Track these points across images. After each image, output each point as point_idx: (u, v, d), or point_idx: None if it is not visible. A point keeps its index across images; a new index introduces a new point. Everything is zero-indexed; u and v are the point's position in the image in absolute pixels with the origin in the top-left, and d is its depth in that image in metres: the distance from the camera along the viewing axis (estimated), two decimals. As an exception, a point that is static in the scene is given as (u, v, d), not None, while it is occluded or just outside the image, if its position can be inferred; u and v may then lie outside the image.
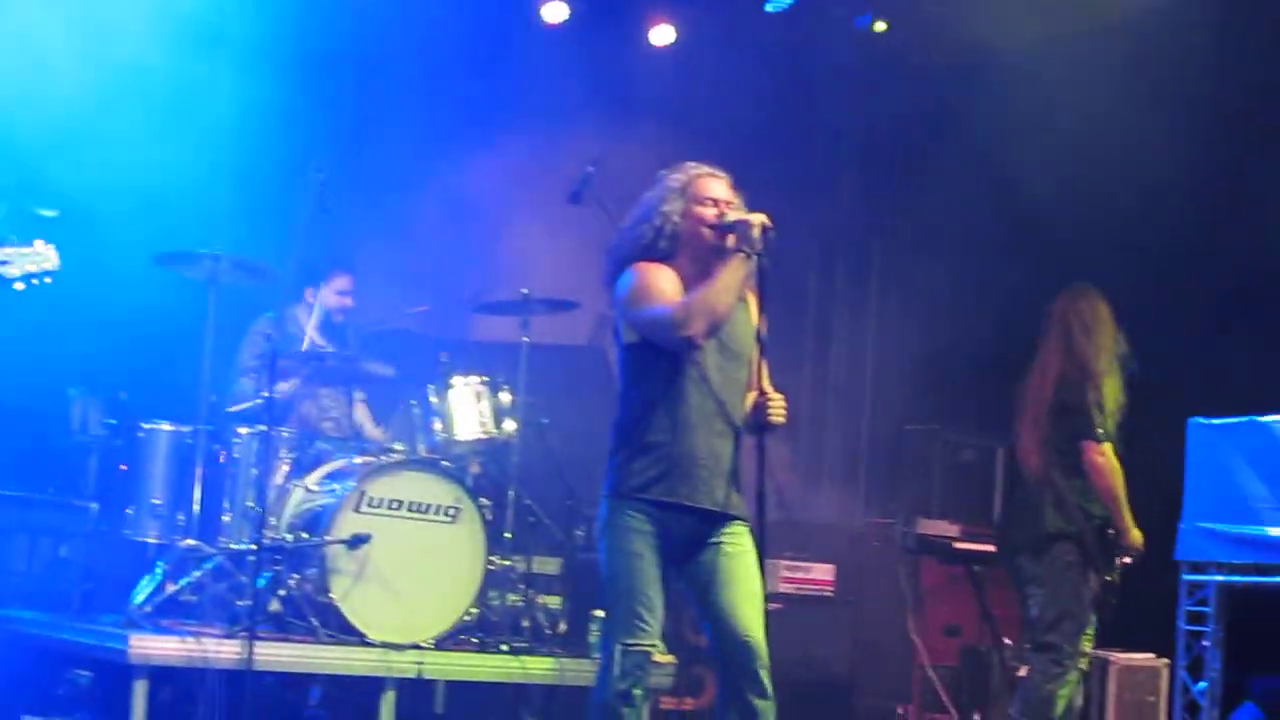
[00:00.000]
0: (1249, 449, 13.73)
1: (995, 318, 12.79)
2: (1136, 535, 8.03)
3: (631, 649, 5.94)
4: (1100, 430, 7.90)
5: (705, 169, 6.25)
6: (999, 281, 12.73)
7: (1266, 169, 12.30)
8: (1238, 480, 13.73)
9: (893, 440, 13.27)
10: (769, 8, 12.77)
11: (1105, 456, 7.91)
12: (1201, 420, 14.10)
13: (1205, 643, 13.94)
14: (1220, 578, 13.99)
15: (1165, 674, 9.99)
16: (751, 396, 6.07)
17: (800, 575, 10.31)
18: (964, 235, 12.92)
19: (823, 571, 10.38)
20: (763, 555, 6.12)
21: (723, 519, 6.07)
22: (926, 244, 13.40)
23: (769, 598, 9.98)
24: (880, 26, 13.62)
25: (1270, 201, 12.26)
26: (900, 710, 10.95)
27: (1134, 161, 12.77)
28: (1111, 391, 8.03)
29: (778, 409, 6.02)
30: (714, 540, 6.05)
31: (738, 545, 6.11)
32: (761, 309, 6.08)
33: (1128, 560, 8.07)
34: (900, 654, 10.89)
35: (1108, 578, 7.95)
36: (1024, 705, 8.01)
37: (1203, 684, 13.97)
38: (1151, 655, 10.05)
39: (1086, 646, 8.02)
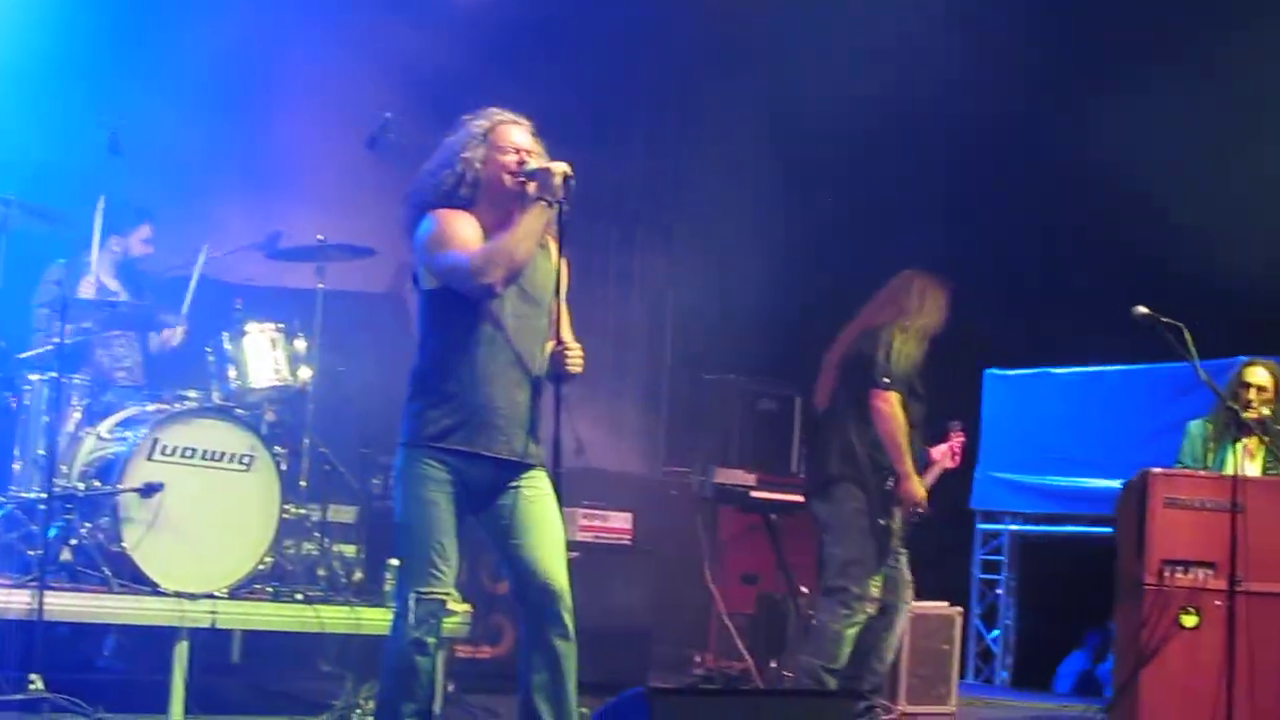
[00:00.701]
0: (1042, 400, 14.11)
1: (793, 268, 12.98)
2: (916, 486, 8.14)
3: (425, 597, 5.92)
4: (886, 379, 8.07)
5: (508, 115, 6.24)
6: (797, 232, 12.90)
7: (1065, 123, 12.60)
8: (1031, 431, 14.12)
9: (692, 390, 13.42)
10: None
11: (889, 404, 8.06)
12: (997, 371, 14.46)
13: (999, 591, 14.36)
14: (1013, 527, 14.41)
15: (959, 622, 10.19)
16: (551, 345, 6.11)
17: (598, 524, 10.33)
18: (761, 186, 13.05)
19: (621, 520, 10.41)
20: (561, 503, 6.16)
21: (521, 467, 6.09)
22: (724, 195, 13.51)
23: (568, 546, 10.15)
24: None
25: (1068, 154, 12.56)
26: (698, 658, 11.04)
27: (933, 112, 13.03)
28: (910, 351, 8.17)
29: (575, 359, 6.03)
30: (513, 485, 6.06)
31: (537, 490, 6.10)
32: (562, 256, 6.12)
33: (916, 510, 8.19)
34: (698, 602, 10.97)
35: (881, 521, 8.07)
36: (814, 648, 8.14)
37: (996, 631, 14.38)
38: (945, 604, 10.24)
39: (875, 591, 8.13)
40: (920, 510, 8.19)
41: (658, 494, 11.67)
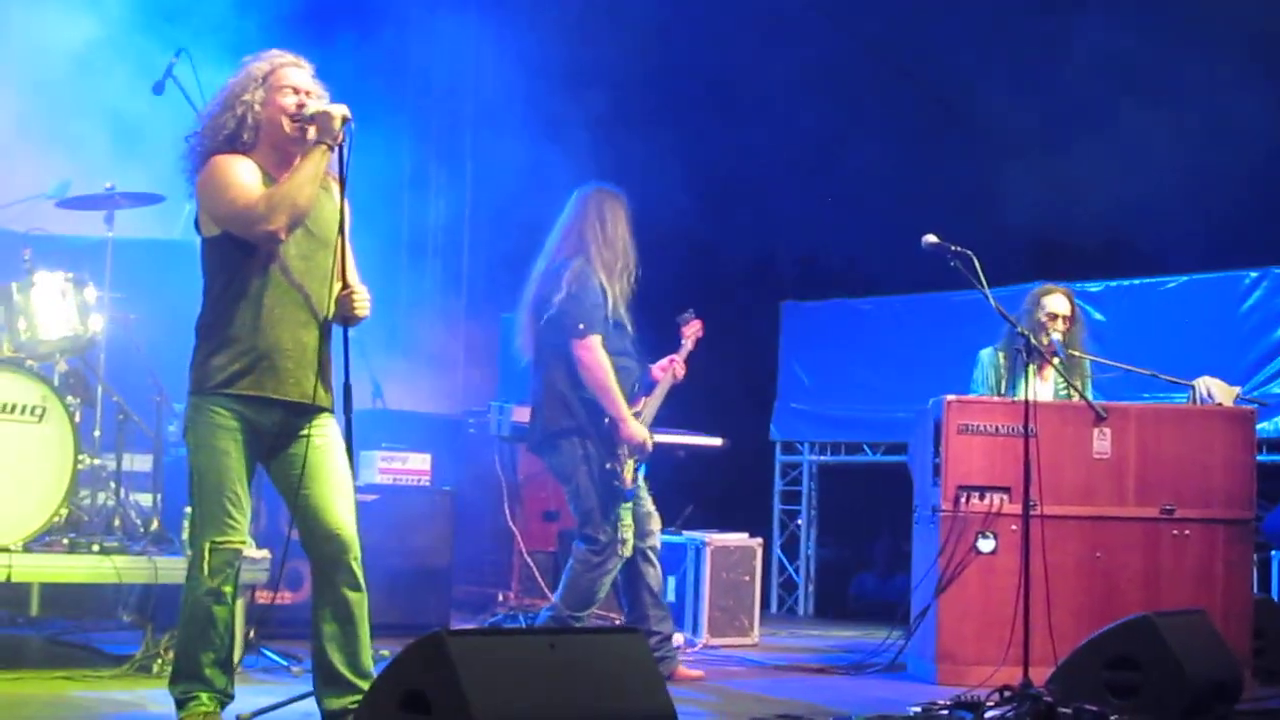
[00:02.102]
0: (839, 330, 14.27)
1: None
2: (634, 428, 7.98)
3: (220, 546, 5.84)
4: (581, 325, 7.88)
5: (288, 57, 6.13)
6: (604, 171, 12.88)
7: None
8: (829, 360, 14.27)
9: (491, 329, 13.38)
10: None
11: (590, 351, 7.88)
12: (794, 302, 14.59)
13: (799, 521, 14.53)
14: (812, 457, 14.57)
15: (760, 553, 10.28)
16: (338, 287, 6.03)
17: (397, 465, 10.26)
18: (559, 125, 13.00)
19: (419, 461, 10.33)
20: (351, 447, 6.10)
21: (311, 411, 5.99)
22: (521, 132, 13.45)
23: (366, 489, 10.09)
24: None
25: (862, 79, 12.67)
26: (500, 596, 11.08)
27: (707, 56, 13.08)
28: (599, 284, 7.97)
29: (362, 302, 5.98)
30: (302, 433, 5.97)
31: (325, 437, 6.04)
32: (344, 197, 6.04)
33: (641, 450, 8.06)
34: (500, 541, 11.01)
35: (609, 465, 7.98)
36: (565, 593, 8.06)
37: (797, 562, 14.54)
38: (745, 535, 10.33)
39: (626, 533, 8.05)
40: (645, 451, 8.09)
41: (457, 434, 11.62)
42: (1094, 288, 12.56)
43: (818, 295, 14.47)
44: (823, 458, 14.25)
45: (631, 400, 8.08)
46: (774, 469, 14.46)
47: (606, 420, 7.96)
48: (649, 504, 8.32)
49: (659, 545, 8.40)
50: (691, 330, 8.65)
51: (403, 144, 14.11)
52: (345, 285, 6.00)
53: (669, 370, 8.49)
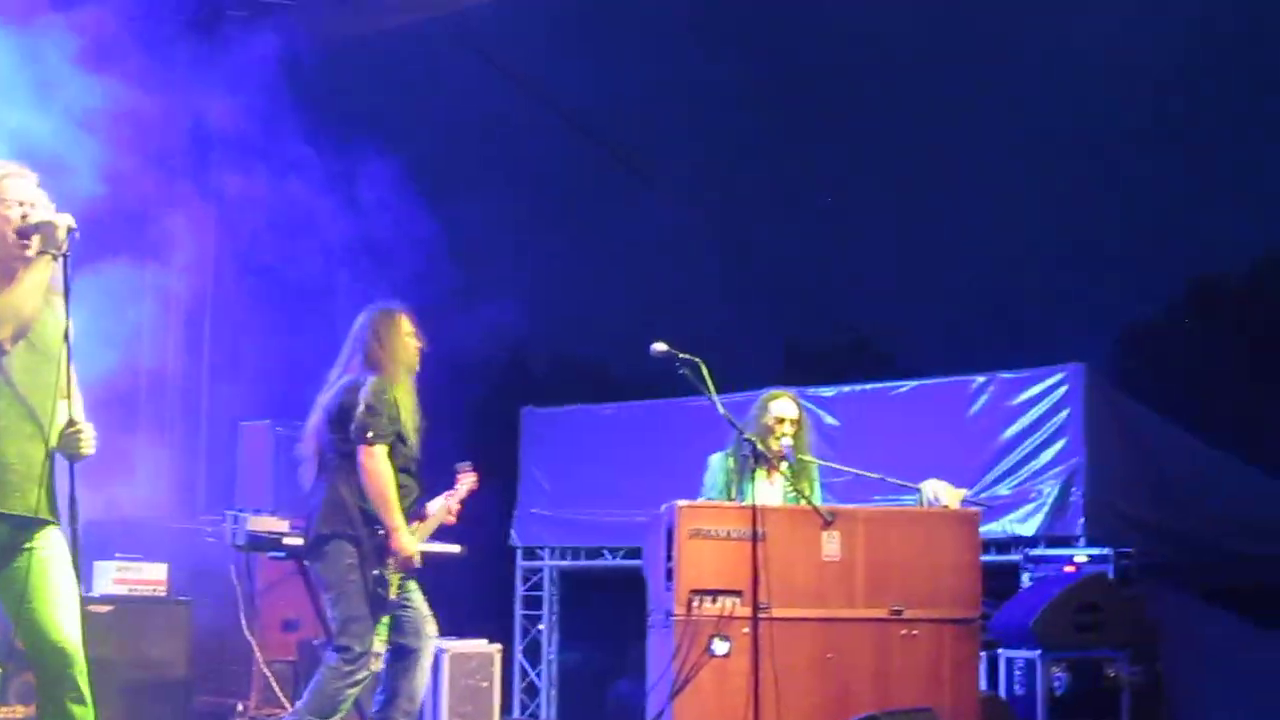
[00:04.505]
0: (578, 436, 14.33)
1: (324, 314, 12.86)
2: (405, 542, 8.00)
3: (-53, 662, 5.77)
4: (371, 432, 7.90)
5: (12, 168, 6.06)
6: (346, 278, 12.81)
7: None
8: (568, 466, 14.32)
9: (230, 436, 13.21)
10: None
11: (373, 459, 7.89)
12: (533, 408, 14.63)
13: (540, 626, 14.51)
14: (553, 562, 14.58)
15: (498, 659, 10.24)
16: (63, 405, 5.95)
17: (132, 575, 10.10)
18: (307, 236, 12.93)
19: (154, 571, 10.18)
20: (77, 560, 6.00)
21: (35, 524, 5.90)
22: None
23: (100, 599, 9.88)
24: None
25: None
26: (239, 706, 10.88)
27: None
28: (392, 397, 8.02)
29: (87, 441, 5.93)
30: (26, 546, 5.88)
31: (49, 550, 5.93)
32: (68, 310, 5.96)
33: (409, 565, 8.05)
34: (239, 651, 10.82)
35: (376, 573, 7.94)
36: (311, 701, 7.94)
37: (539, 667, 14.51)
38: (485, 641, 10.29)
39: (379, 646, 8.00)
40: (413, 566, 8.08)
41: (195, 543, 11.43)
42: (827, 392, 12.79)
43: (567, 399, 14.54)
44: (563, 562, 14.26)
45: (406, 519, 8.07)
46: (515, 574, 14.44)
47: (380, 532, 7.93)
48: (423, 607, 8.29)
49: (433, 650, 8.41)
50: (466, 480, 8.81)
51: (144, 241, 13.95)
52: (71, 422, 5.92)
53: (441, 507, 8.66)
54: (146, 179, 13.19)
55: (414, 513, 8.28)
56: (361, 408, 7.91)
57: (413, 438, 8.13)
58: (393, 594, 7.96)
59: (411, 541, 7.99)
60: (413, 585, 8.17)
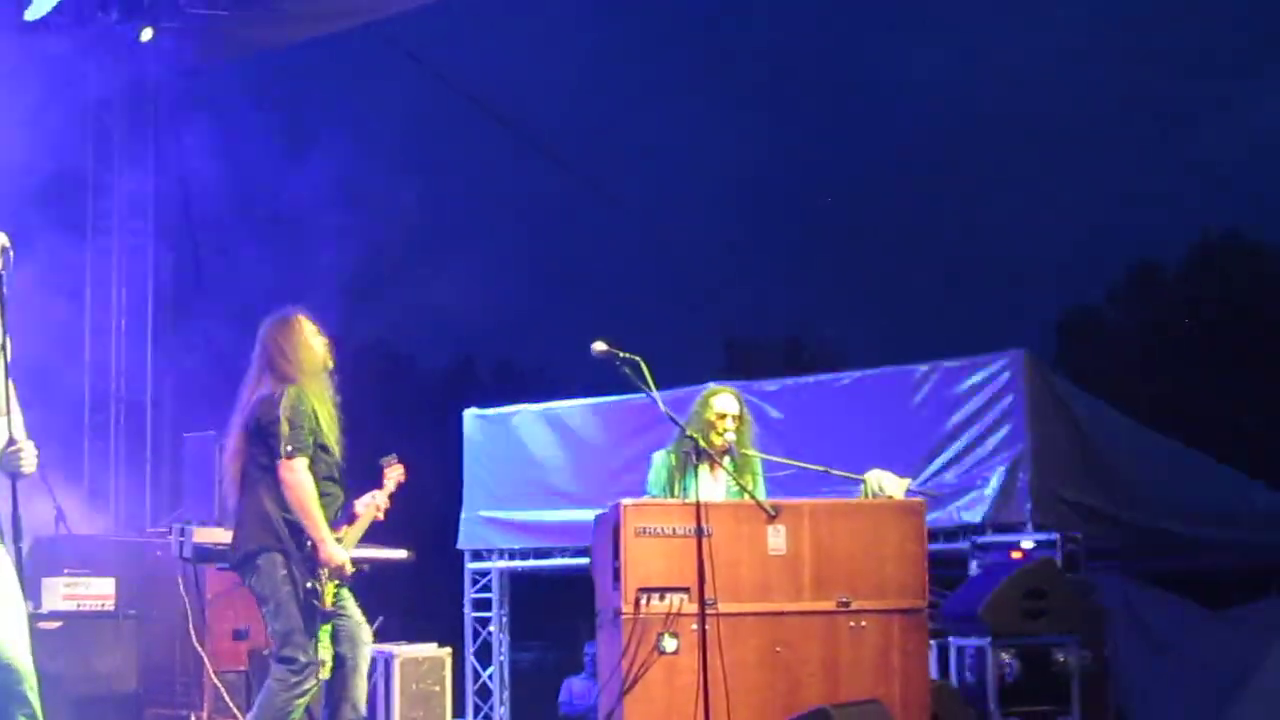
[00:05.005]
0: (520, 437, 14.30)
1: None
2: (333, 552, 7.91)
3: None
4: (290, 446, 7.85)
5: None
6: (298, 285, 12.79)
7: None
8: (513, 468, 14.28)
9: (174, 448, 13.17)
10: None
11: (295, 472, 7.84)
12: (476, 411, 14.59)
13: (491, 628, 14.48)
14: (501, 563, 14.54)
15: (449, 662, 10.23)
16: (3, 439, 5.92)
17: (80, 591, 10.05)
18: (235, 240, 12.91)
19: (102, 585, 10.17)
20: (22, 577, 5.97)
21: (-19, 544, 5.89)
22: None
23: (49, 616, 9.83)
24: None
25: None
26: (192, 718, 10.83)
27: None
28: (307, 406, 7.97)
29: (29, 459, 5.93)
30: (-31, 566, 5.88)
31: (-6, 568, 5.94)
32: (5, 328, 5.93)
33: (341, 573, 8.01)
34: (190, 662, 10.78)
35: (310, 585, 7.90)
36: (259, 713, 7.86)
37: (491, 668, 14.49)
38: (434, 645, 10.27)
39: (324, 653, 7.97)
40: (345, 574, 8.05)
41: (142, 556, 11.37)
42: (771, 386, 12.80)
43: (515, 399, 14.51)
44: (512, 563, 14.24)
45: (333, 526, 8.03)
46: (463, 577, 14.41)
47: (308, 542, 7.89)
48: (357, 615, 8.25)
49: (370, 657, 8.34)
50: (394, 474, 8.67)
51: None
52: (11, 441, 5.89)
53: (370, 506, 8.50)
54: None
55: (343, 516, 8.24)
56: (282, 423, 7.85)
57: (334, 443, 8.08)
58: (328, 603, 7.93)
59: (339, 551, 7.95)
60: (346, 593, 8.14)
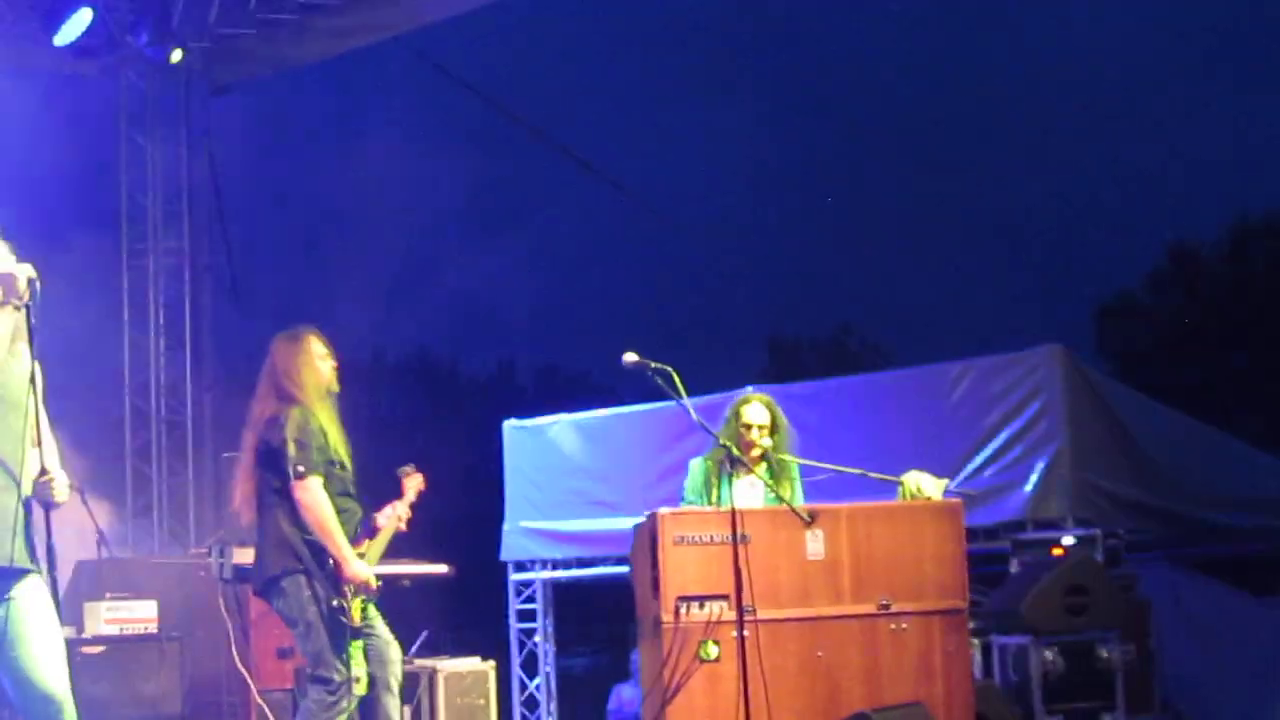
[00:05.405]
0: (561, 447, 14.28)
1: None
2: (356, 568, 7.93)
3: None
4: (300, 466, 7.82)
5: (-31, 222, 6.10)
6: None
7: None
8: (553, 478, 14.27)
9: (218, 469, 13.20)
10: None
11: (309, 493, 7.82)
12: (515, 422, 14.58)
13: (536, 639, 14.47)
14: (545, 574, 14.53)
15: (492, 676, 10.21)
16: (34, 454, 5.93)
17: (123, 615, 10.08)
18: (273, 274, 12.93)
19: (144, 609, 10.17)
20: (58, 605, 6.00)
21: (13, 574, 5.88)
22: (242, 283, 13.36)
23: (91, 641, 9.85)
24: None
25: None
26: (240, 738, 10.87)
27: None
28: (314, 425, 7.94)
29: (60, 489, 5.92)
30: (7, 597, 5.87)
31: (31, 599, 5.91)
32: (34, 357, 5.95)
33: (366, 590, 7.99)
34: (235, 683, 10.79)
35: (335, 603, 7.88)
36: None
37: (538, 679, 14.49)
38: (478, 659, 10.26)
39: (358, 671, 7.96)
40: (370, 590, 8.04)
41: (185, 578, 11.39)
42: (806, 389, 12.75)
43: (558, 405, 14.49)
44: (556, 573, 14.23)
45: (354, 542, 8.02)
46: (507, 589, 14.40)
47: (330, 561, 7.88)
48: (385, 633, 8.24)
49: (401, 675, 8.32)
50: (413, 484, 8.67)
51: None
52: (44, 471, 5.90)
53: (391, 518, 8.50)
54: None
55: (363, 531, 8.22)
56: (290, 445, 7.83)
57: (346, 458, 8.07)
58: (356, 619, 7.92)
59: (363, 567, 7.95)
60: (373, 610, 8.14)
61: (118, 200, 14.75)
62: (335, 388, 8.18)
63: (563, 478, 14.01)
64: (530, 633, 14.37)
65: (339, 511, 7.90)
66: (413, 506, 8.64)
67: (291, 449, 7.82)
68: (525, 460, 14.32)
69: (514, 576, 14.42)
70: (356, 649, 7.93)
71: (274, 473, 7.91)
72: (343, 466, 8.03)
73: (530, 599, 14.39)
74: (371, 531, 8.38)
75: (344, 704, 7.86)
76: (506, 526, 14.25)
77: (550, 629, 14.33)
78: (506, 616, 14.38)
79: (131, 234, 14.75)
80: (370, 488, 8.37)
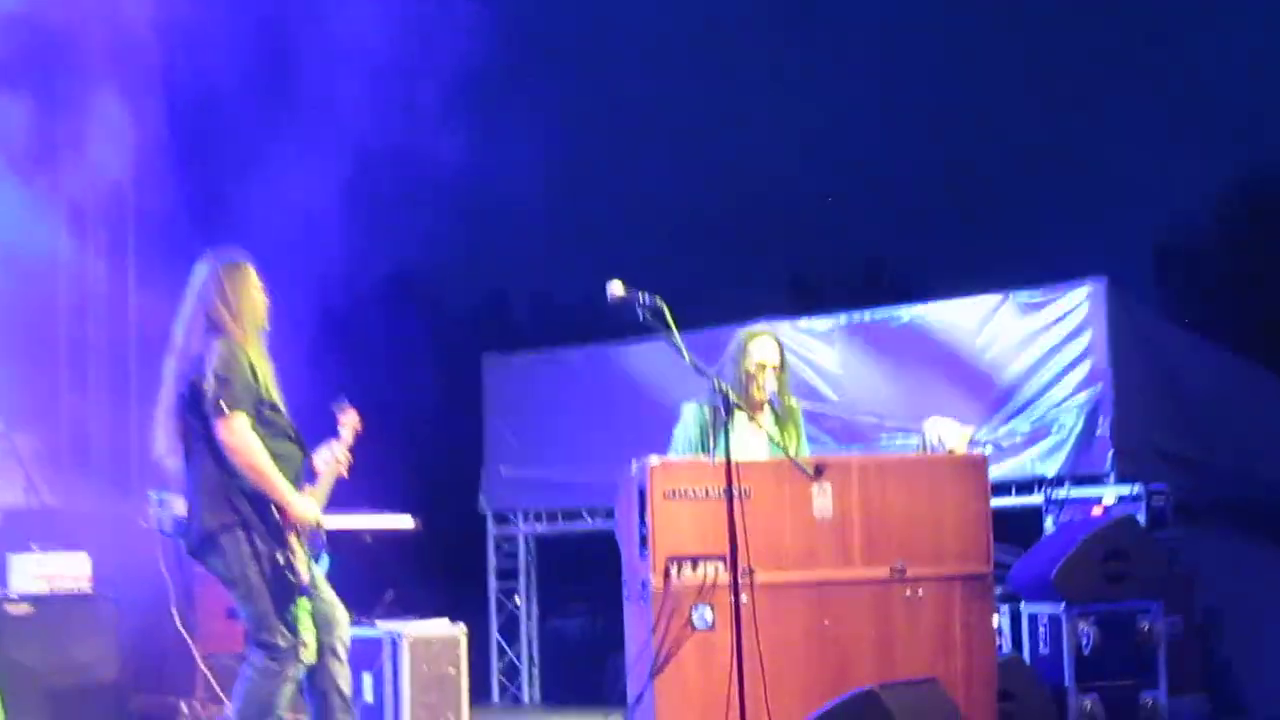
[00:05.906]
0: (547, 384, 14.12)
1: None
2: (301, 508, 7.76)
3: None
4: (224, 404, 7.59)
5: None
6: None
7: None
8: (539, 419, 14.11)
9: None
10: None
11: (234, 432, 7.59)
12: (497, 354, 14.44)
13: (518, 599, 14.37)
14: (528, 527, 14.42)
15: (463, 641, 10.14)
16: None
17: (52, 570, 9.97)
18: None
19: (77, 563, 10.09)
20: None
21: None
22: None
23: (17, 599, 9.79)
24: None
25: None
26: (184, 706, 10.79)
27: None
28: (243, 359, 7.75)
29: None
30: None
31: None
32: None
33: (316, 531, 7.88)
34: (179, 645, 10.74)
35: (280, 559, 7.75)
36: (243, 706, 7.76)
37: (519, 645, 14.41)
38: (445, 621, 10.18)
39: (306, 635, 7.85)
40: (319, 533, 7.93)
41: (123, 529, 11.30)
42: (822, 324, 12.56)
43: (556, 339, 14.37)
44: (539, 526, 14.13)
45: (297, 486, 7.89)
46: (486, 543, 14.31)
47: (273, 509, 7.74)
48: (330, 594, 8.13)
49: (348, 640, 8.21)
50: (348, 420, 8.50)
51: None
52: None
53: (331, 462, 8.34)
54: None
55: (304, 476, 8.07)
56: (211, 378, 7.63)
57: (278, 401, 7.89)
58: (303, 573, 7.76)
59: (309, 505, 7.80)
60: (318, 571, 8.03)
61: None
62: (266, 326, 8.01)
63: (548, 419, 13.86)
64: (511, 592, 14.29)
65: (278, 457, 7.72)
66: (351, 450, 8.45)
67: (215, 384, 7.62)
68: (509, 399, 14.19)
69: (494, 529, 14.32)
70: (304, 611, 7.78)
71: (199, 418, 7.73)
72: (274, 409, 7.86)
73: (512, 554, 14.30)
74: (311, 477, 8.22)
75: (291, 671, 7.75)
76: (485, 473, 14.13)
77: (534, 589, 14.25)
78: (485, 574, 14.32)
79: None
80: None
